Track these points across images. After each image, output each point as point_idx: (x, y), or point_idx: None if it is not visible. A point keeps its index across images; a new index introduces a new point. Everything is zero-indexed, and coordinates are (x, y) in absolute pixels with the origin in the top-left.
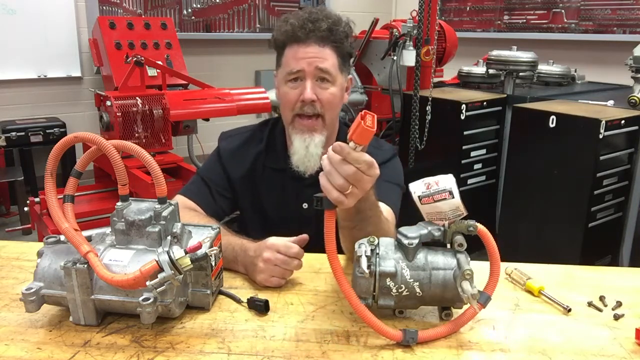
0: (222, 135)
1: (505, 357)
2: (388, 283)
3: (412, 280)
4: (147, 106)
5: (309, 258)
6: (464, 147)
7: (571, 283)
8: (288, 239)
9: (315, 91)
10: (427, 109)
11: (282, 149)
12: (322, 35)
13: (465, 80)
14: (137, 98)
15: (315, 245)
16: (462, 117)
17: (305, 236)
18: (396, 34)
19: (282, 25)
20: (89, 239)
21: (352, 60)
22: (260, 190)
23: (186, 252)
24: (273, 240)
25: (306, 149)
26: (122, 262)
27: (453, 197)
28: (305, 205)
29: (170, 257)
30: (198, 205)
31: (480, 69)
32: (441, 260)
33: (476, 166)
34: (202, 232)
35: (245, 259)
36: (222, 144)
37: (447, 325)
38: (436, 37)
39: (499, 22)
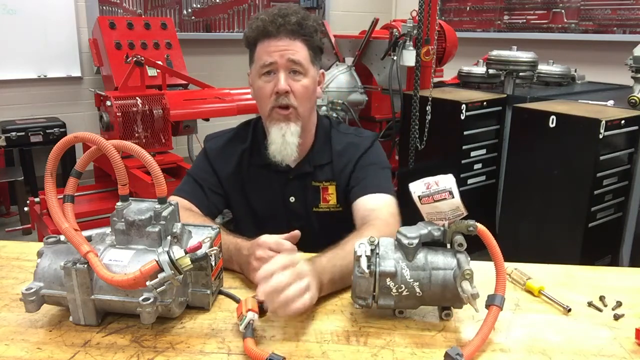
0: (207, 137)
1: (505, 357)
2: (388, 283)
3: (412, 280)
4: (147, 106)
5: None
6: (464, 147)
7: (571, 283)
8: (280, 236)
9: (288, 82)
10: (427, 109)
11: (264, 145)
12: (291, 29)
13: (465, 80)
14: (137, 98)
15: (305, 240)
16: (462, 117)
17: (297, 232)
18: (396, 34)
19: (253, 22)
20: (89, 239)
21: (351, 62)
22: (248, 188)
23: (186, 252)
24: (265, 238)
25: (282, 137)
26: (122, 262)
27: (453, 197)
28: (292, 199)
29: (170, 257)
30: (193, 204)
31: (480, 69)
32: (441, 260)
33: (476, 166)
34: (202, 232)
35: (239, 258)
36: (208, 144)
37: (482, 331)
38: (436, 37)
39: (499, 22)
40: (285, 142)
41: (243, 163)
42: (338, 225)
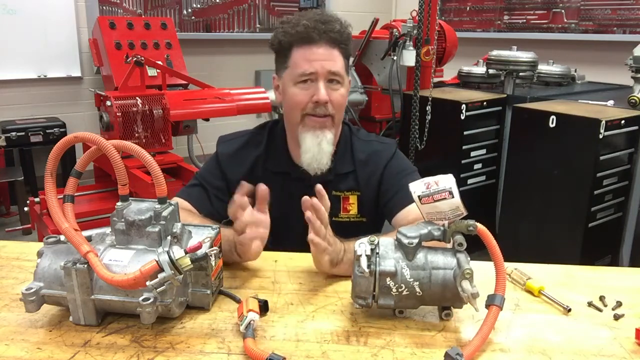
0: (220, 139)
1: (505, 357)
2: (388, 282)
3: (412, 279)
4: (147, 106)
5: (309, 258)
6: (464, 147)
7: (571, 283)
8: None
9: (326, 92)
10: (427, 109)
11: (283, 151)
12: (333, 37)
13: (465, 80)
14: (137, 98)
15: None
16: (462, 117)
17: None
18: (396, 34)
19: (292, 26)
20: (89, 239)
21: (351, 61)
22: None
23: (186, 252)
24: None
25: (318, 146)
26: (122, 262)
27: (453, 197)
28: None
29: (170, 257)
30: (195, 208)
31: (480, 69)
32: (441, 260)
33: (476, 166)
34: (202, 232)
35: (237, 239)
36: (220, 148)
37: (482, 331)
38: (436, 37)
39: (499, 22)
40: (322, 150)
41: (257, 169)
42: (358, 236)
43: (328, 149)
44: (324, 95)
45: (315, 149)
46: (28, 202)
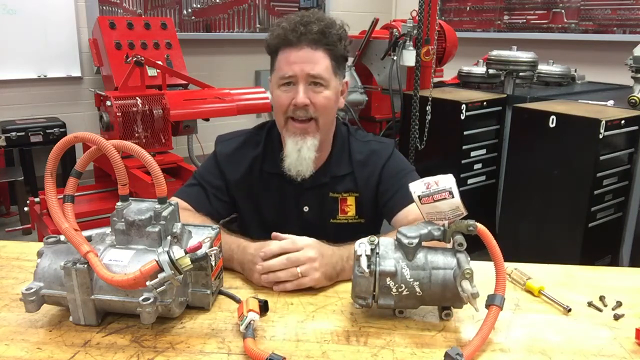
0: (219, 138)
1: (505, 357)
2: (388, 282)
3: (412, 279)
4: (147, 106)
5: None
6: (464, 147)
7: (571, 283)
8: (288, 236)
9: (308, 95)
10: (427, 109)
11: (279, 152)
12: (313, 38)
13: (465, 80)
14: (137, 98)
15: None
16: (462, 117)
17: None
18: (396, 34)
19: (275, 30)
20: (89, 239)
21: (351, 61)
22: (258, 194)
23: (186, 252)
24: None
25: (298, 152)
26: (122, 262)
27: (453, 197)
28: (306, 209)
29: (170, 257)
30: (194, 207)
31: (480, 69)
32: (441, 260)
33: (476, 166)
34: (202, 232)
35: (243, 257)
36: (219, 147)
37: (482, 331)
38: (436, 37)
39: (499, 22)
40: (301, 157)
41: (254, 169)
42: (356, 237)
43: (309, 155)
44: (302, 98)
45: (295, 154)
46: (28, 202)
